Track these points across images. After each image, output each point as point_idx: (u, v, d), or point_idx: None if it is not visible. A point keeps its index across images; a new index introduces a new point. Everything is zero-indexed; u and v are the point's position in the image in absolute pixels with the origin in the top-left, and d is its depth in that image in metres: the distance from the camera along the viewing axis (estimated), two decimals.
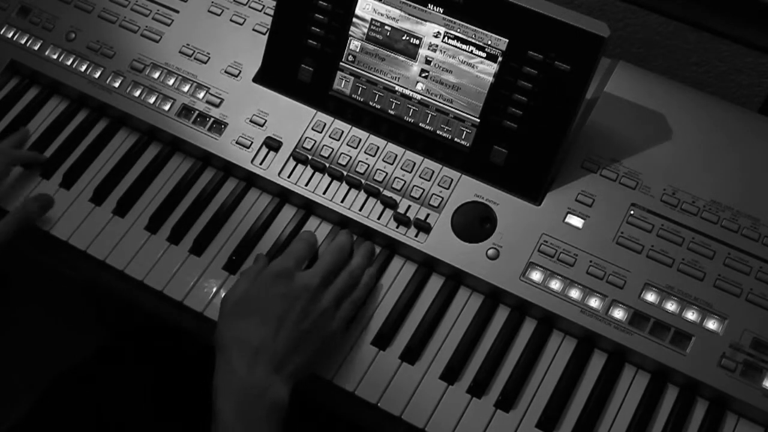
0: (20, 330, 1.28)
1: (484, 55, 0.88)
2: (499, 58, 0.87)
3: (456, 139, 0.91)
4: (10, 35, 1.03)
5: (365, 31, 0.92)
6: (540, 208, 0.88)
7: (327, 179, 0.92)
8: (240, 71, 0.98)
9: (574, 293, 0.84)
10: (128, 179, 0.96)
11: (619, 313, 0.83)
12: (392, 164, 0.92)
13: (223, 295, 0.83)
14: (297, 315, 0.79)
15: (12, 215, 0.89)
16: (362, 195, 0.91)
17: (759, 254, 0.84)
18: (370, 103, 0.93)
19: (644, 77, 0.95)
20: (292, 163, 0.93)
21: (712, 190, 0.87)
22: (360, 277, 0.86)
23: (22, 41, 1.03)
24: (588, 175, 0.89)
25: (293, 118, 0.95)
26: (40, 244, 0.93)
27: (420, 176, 0.91)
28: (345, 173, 0.92)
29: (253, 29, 1.00)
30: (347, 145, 0.93)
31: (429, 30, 0.89)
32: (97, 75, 1.00)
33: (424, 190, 0.90)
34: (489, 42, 0.87)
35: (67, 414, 1.01)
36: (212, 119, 0.96)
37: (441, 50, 0.89)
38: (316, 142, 0.93)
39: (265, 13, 1.01)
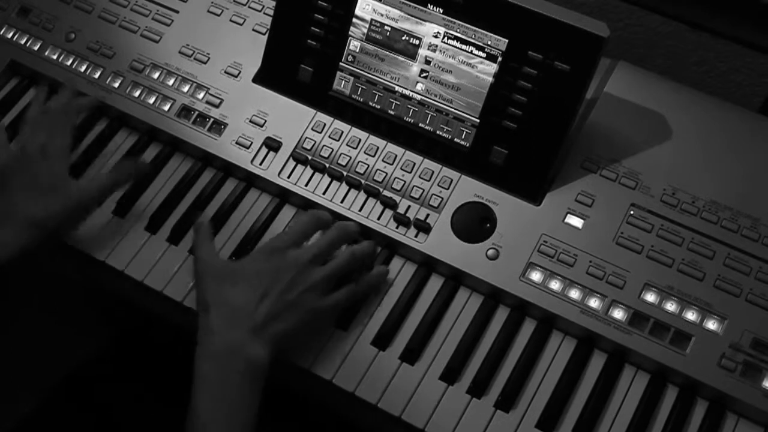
0: (20, 330, 1.28)
1: (484, 55, 0.88)
2: (499, 59, 0.87)
3: (456, 139, 0.91)
4: (10, 35, 1.03)
5: (365, 31, 0.92)
6: (540, 208, 0.88)
7: (327, 179, 0.92)
8: (240, 71, 0.98)
9: (574, 293, 0.84)
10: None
11: (618, 314, 0.83)
12: (392, 164, 0.92)
13: (204, 263, 0.84)
14: (283, 286, 0.80)
15: (105, 175, 0.90)
16: (362, 195, 0.91)
17: (759, 254, 0.84)
18: (370, 104, 0.93)
19: (644, 77, 0.95)
20: (291, 163, 0.93)
21: (712, 190, 0.87)
22: (362, 260, 0.86)
23: (22, 41, 1.03)
24: (588, 175, 0.89)
25: (293, 119, 0.95)
26: None
27: (420, 176, 0.91)
28: (345, 173, 0.92)
29: (253, 29, 1.00)
30: (347, 145, 0.93)
31: (429, 30, 0.89)
32: (96, 75, 1.00)
33: (423, 190, 0.90)
34: (489, 42, 0.87)
35: (69, 415, 1.01)
36: (212, 119, 0.96)
37: (441, 50, 0.89)
38: (315, 142, 0.93)
39: (265, 13, 1.01)
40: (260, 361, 0.77)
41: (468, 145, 0.90)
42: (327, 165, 0.92)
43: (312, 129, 0.94)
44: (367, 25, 0.91)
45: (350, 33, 0.92)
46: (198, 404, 0.75)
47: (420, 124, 0.92)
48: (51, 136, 0.90)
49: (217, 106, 0.96)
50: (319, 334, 0.85)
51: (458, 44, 0.88)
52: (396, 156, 0.92)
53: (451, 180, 0.90)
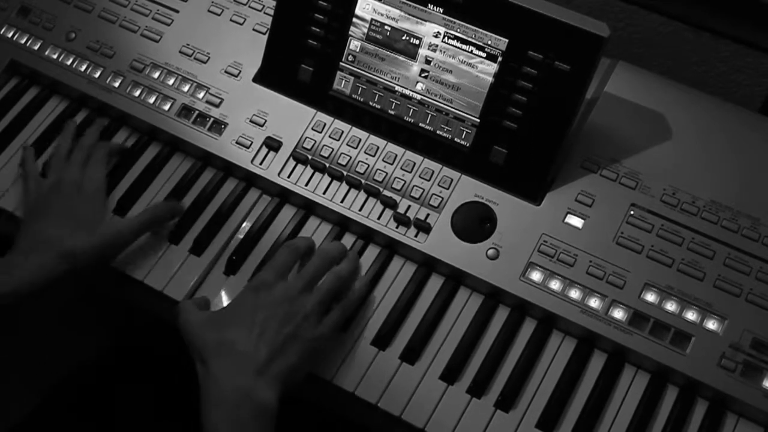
0: (21, 330, 1.28)
1: (484, 55, 0.88)
2: (499, 58, 0.87)
3: (456, 139, 0.91)
4: (10, 35, 1.03)
5: (365, 31, 0.92)
6: (540, 208, 0.88)
7: (327, 179, 0.92)
8: (240, 71, 0.98)
9: (574, 293, 0.84)
10: (128, 179, 0.95)
11: (619, 313, 0.83)
12: (392, 164, 0.92)
13: (185, 318, 0.81)
14: (279, 320, 0.78)
15: (140, 216, 0.89)
16: (362, 195, 0.91)
17: (759, 254, 0.84)
18: (370, 103, 0.93)
19: (644, 77, 0.95)
20: (292, 163, 0.93)
21: (712, 190, 0.87)
22: (348, 280, 0.85)
23: (22, 41, 1.03)
24: (588, 175, 0.89)
25: (293, 118, 0.95)
26: None
27: (420, 176, 0.91)
28: (345, 173, 0.92)
29: (253, 29, 1.00)
30: (347, 145, 0.93)
31: (429, 30, 0.89)
32: (97, 75, 1.00)
33: (424, 190, 0.90)
34: (489, 42, 0.87)
35: (69, 415, 1.01)
36: (212, 119, 0.96)
37: (441, 50, 0.89)
38: (316, 142, 0.93)
39: (265, 13, 1.01)
40: (270, 404, 0.74)
41: (468, 144, 0.90)
42: (327, 165, 0.92)
43: (312, 129, 0.94)
44: (368, 25, 0.91)
45: (350, 33, 0.92)
46: None
47: (420, 124, 0.92)
48: (86, 169, 0.91)
49: (217, 106, 0.96)
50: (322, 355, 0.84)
51: (458, 44, 0.88)
52: (396, 156, 0.92)
53: (451, 180, 0.90)
